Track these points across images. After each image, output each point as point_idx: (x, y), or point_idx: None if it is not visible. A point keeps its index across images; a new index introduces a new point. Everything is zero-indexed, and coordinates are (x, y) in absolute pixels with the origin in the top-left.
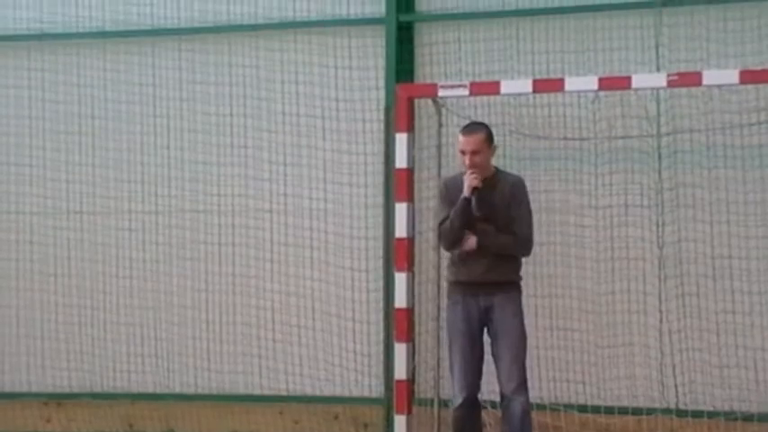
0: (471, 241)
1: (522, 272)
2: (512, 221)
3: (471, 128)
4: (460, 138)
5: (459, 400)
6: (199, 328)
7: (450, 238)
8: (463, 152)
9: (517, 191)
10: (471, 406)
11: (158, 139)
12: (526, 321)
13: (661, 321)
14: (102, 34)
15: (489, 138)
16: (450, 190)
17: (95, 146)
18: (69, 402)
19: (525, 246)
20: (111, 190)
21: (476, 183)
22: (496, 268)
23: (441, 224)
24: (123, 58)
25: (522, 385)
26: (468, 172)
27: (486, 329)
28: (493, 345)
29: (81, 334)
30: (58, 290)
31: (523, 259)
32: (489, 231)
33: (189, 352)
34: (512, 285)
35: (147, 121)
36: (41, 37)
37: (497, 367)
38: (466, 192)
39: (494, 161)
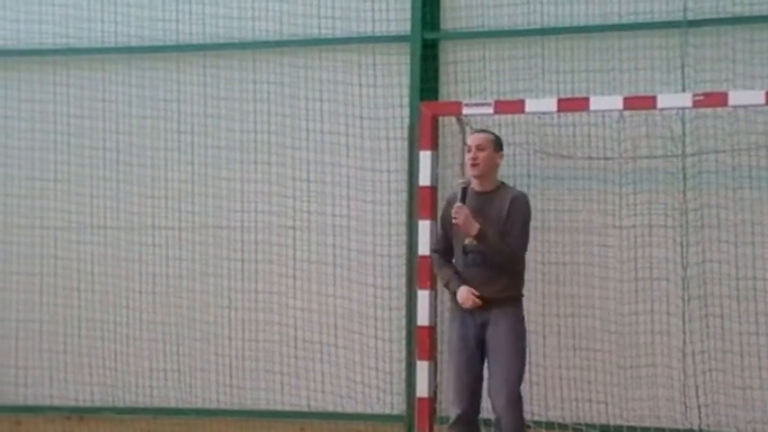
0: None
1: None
2: (506, 234)
3: (480, 129)
4: (468, 139)
5: (452, 418)
6: (221, 344)
7: (440, 282)
8: (469, 148)
9: (515, 206)
10: (467, 424)
11: (182, 155)
12: (548, 341)
13: (684, 342)
14: (128, 50)
15: (497, 142)
16: (449, 209)
17: (120, 161)
18: (92, 417)
19: (511, 259)
20: (134, 205)
21: (470, 304)
22: (494, 284)
23: (434, 251)
24: (148, 74)
25: (512, 403)
26: (462, 297)
27: (484, 346)
28: (486, 361)
29: (104, 349)
30: (81, 304)
31: (546, 279)
32: (489, 233)
33: (211, 368)
34: (509, 300)
35: (171, 137)
36: (67, 52)
37: (488, 384)
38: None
39: (518, 179)
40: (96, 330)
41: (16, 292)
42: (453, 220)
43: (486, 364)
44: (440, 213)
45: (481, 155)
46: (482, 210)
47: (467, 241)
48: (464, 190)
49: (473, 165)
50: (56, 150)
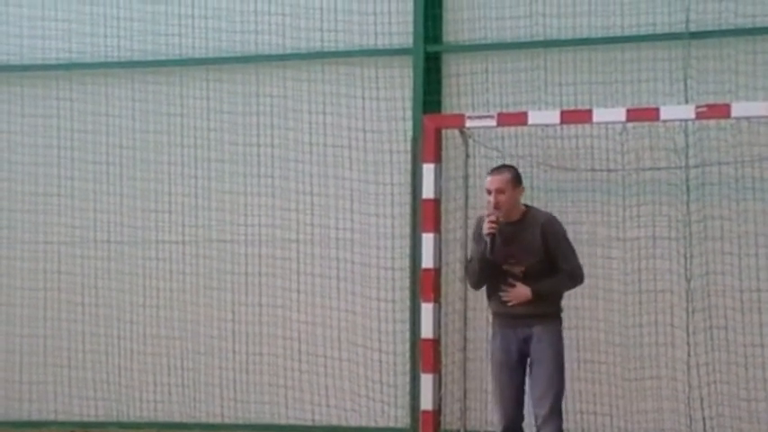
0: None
1: (564, 303)
2: (556, 258)
3: (497, 168)
4: (487, 178)
5: (499, 430)
6: (225, 358)
7: (471, 280)
8: (488, 191)
9: (549, 228)
10: None
11: (185, 169)
12: None
13: (689, 354)
14: (131, 64)
15: (515, 178)
16: (480, 227)
17: (123, 176)
18: (96, 431)
19: (576, 277)
20: (138, 220)
21: (488, 230)
22: (534, 302)
23: (468, 263)
24: (151, 88)
25: (552, 415)
26: (486, 218)
27: (527, 360)
28: (529, 375)
29: (108, 363)
30: (85, 319)
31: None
32: (542, 285)
33: (215, 382)
34: (550, 317)
35: (174, 151)
36: (70, 67)
37: (531, 396)
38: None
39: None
40: (100, 345)
41: (20, 307)
42: (509, 303)
43: (528, 377)
44: (473, 230)
45: (502, 198)
46: (516, 238)
47: (505, 267)
48: (492, 238)
49: (496, 208)
50: (59, 165)
